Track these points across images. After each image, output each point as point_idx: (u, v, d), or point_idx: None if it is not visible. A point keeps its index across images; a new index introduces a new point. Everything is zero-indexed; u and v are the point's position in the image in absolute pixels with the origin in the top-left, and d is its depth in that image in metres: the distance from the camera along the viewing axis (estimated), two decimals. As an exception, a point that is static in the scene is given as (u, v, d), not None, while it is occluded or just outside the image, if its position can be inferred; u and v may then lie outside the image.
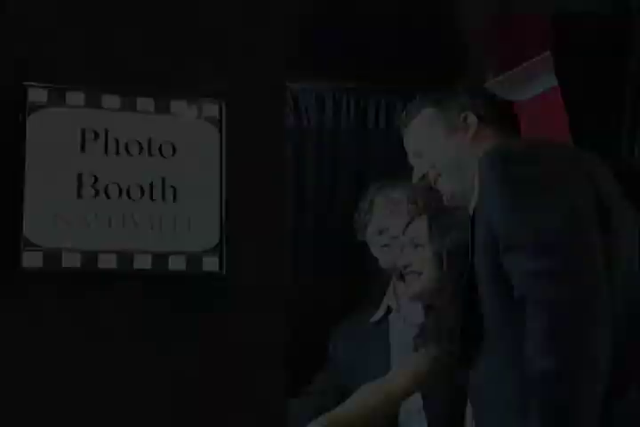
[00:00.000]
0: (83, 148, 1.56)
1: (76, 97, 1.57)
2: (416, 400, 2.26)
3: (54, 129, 1.55)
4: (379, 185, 2.58)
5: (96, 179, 1.54)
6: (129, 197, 1.55)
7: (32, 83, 1.56)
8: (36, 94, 1.55)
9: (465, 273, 1.81)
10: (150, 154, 1.58)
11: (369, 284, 2.69)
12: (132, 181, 1.55)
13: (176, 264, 1.56)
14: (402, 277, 2.18)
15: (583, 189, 1.69)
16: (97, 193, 1.54)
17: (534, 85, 2.54)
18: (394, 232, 2.39)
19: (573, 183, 1.69)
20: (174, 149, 1.58)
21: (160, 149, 1.58)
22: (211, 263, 1.58)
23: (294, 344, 1.81)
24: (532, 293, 1.59)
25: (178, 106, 1.60)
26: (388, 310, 2.49)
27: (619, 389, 1.57)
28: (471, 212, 1.85)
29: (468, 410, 2.05)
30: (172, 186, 1.57)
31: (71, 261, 1.51)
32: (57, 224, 1.51)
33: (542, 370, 1.54)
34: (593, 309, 1.57)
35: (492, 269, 1.70)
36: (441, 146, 1.97)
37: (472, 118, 1.96)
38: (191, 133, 1.61)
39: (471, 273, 1.78)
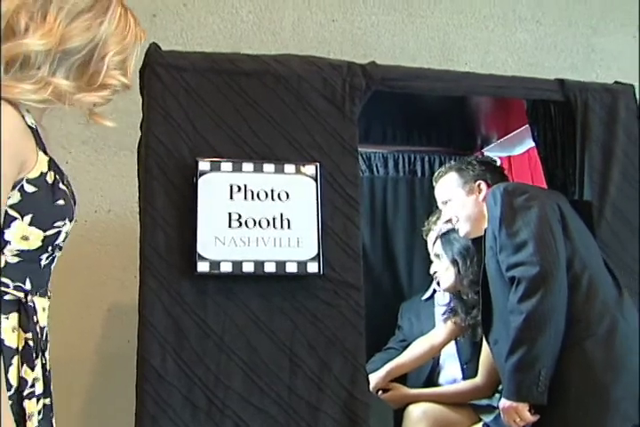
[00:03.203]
0: (231, 196, 2.10)
1: (226, 165, 2.13)
2: (452, 348, 2.89)
3: (214, 185, 2.09)
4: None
5: (239, 215, 2.09)
6: (260, 227, 2.10)
7: (200, 158, 2.11)
8: (203, 165, 2.11)
9: (481, 270, 2.39)
10: (272, 199, 2.13)
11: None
12: (262, 216, 2.11)
13: (291, 268, 2.10)
14: (436, 279, 2.85)
15: (552, 210, 2.26)
16: (240, 224, 2.08)
17: (520, 146, 3.11)
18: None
19: (545, 206, 2.25)
20: (288, 195, 2.14)
21: (279, 195, 2.14)
22: (313, 267, 2.11)
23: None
24: (513, 275, 2.16)
25: (289, 168, 2.17)
26: (434, 292, 3.10)
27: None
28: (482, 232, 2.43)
29: (483, 354, 2.68)
30: (287, 218, 2.12)
31: (226, 267, 2.06)
32: (217, 244, 2.06)
33: (516, 325, 2.12)
34: (548, 280, 2.12)
35: (497, 264, 2.27)
36: (462, 202, 2.60)
37: (484, 185, 2.59)
38: (298, 185, 2.16)
39: (484, 269, 2.37)
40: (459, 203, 2.61)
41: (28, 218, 1.44)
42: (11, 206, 1.43)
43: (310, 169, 2.20)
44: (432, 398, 2.72)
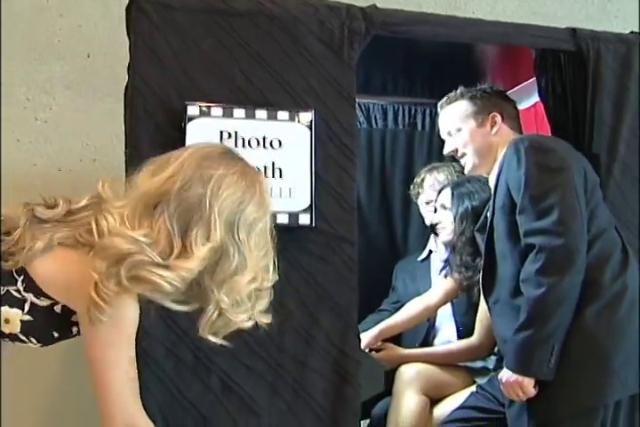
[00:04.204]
0: (221, 143, 2.04)
1: (216, 111, 2.09)
2: (447, 309, 2.89)
3: (203, 132, 2.06)
4: (429, 167, 3.11)
5: None
6: None
7: (189, 103, 2.07)
8: (192, 110, 2.07)
9: (487, 228, 2.32)
10: (264, 147, 2.11)
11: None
12: (253, 165, 1.94)
13: (282, 219, 2.08)
14: (435, 230, 2.83)
15: (579, 174, 2.17)
16: None
17: (528, 100, 2.99)
18: (434, 204, 2.99)
19: (573, 169, 2.17)
20: (280, 143, 2.11)
21: (271, 143, 2.11)
22: (305, 219, 2.10)
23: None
24: (533, 243, 2.08)
25: (283, 115, 2.13)
26: (430, 252, 3.10)
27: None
28: (491, 183, 2.35)
29: (479, 313, 2.67)
30: (279, 168, 2.10)
31: None
32: None
33: (534, 296, 2.06)
34: (573, 256, 2.05)
35: (508, 225, 2.20)
36: (471, 133, 2.44)
37: (498, 118, 2.43)
38: (291, 133, 2.13)
39: (490, 228, 2.30)
40: (468, 134, 2.46)
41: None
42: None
43: (305, 116, 2.16)
44: (425, 358, 2.72)
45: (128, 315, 1.47)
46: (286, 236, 2.05)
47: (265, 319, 1.59)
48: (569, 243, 2.06)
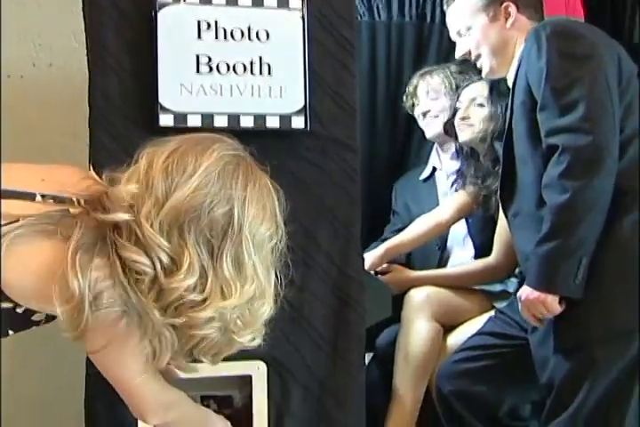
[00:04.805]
0: (199, 35, 1.89)
1: None
2: (460, 229, 2.72)
3: (177, 21, 1.88)
4: (422, 72, 2.88)
5: (210, 59, 1.89)
6: (235, 72, 1.90)
7: None
8: None
9: (505, 129, 2.18)
10: (250, 39, 1.92)
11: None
12: (237, 60, 1.90)
13: (272, 123, 1.93)
14: (453, 129, 2.62)
15: (612, 62, 2.00)
16: (211, 69, 1.89)
17: None
18: (434, 113, 2.81)
19: (605, 57, 1.99)
20: (268, 35, 1.93)
21: (257, 34, 1.92)
22: (299, 122, 1.94)
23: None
24: (556, 143, 1.94)
25: (270, 1, 1.93)
26: (434, 170, 2.90)
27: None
28: (510, 81, 2.19)
29: (498, 229, 2.52)
30: (267, 63, 1.92)
31: (194, 121, 1.88)
32: (182, 93, 1.87)
33: (558, 203, 1.92)
34: (602, 156, 1.90)
35: (529, 124, 2.05)
36: (483, 30, 2.26)
37: (513, 9, 2.24)
38: (281, 22, 1.94)
39: (509, 130, 2.15)
40: (480, 32, 2.28)
41: None
42: None
43: (296, 2, 1.96)
44: (437, 280, 2.55)
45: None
46: (277, 142, 1.94)
47: (260, 339, 1.52)
48: (597, 141, 1.90)
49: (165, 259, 1.34)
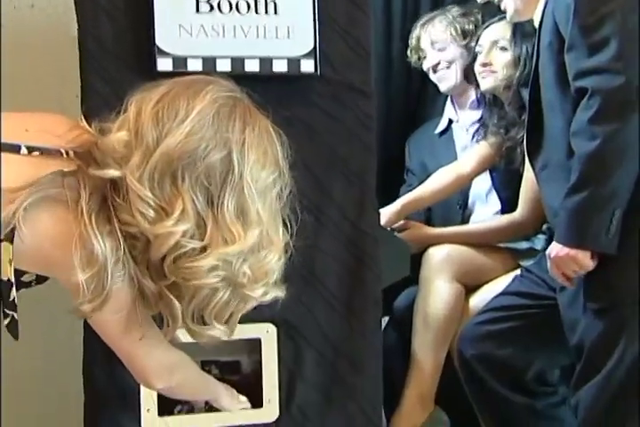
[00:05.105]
0: None
1: None
2: (483, 184, 2.61)
3: None
4: (422, 21, 2.74)
5: None
6: (238, 12, 1.79)
7: None
8: None
9: (531, 73, 2.08)
10: None
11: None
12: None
13: (280, 67, 1.82)
14: (473, 75, 2.51)
15: None
16: (212, 8, 1.78)
17: None
18: (444, 65, 2.67)
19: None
20: None
21: None
22: (308, 65, 1.83)
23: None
24: (585, 86, 1.86)
25: None
26: (450, 122, 2.77)
27: None
28: (537, 22, 2.09)
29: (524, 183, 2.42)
30: (273, 1, 1.81)
31: (195, 65, 1.77)
32: (181, 35, 1.76)
33: (587, 151, 1.85)
34: (635, 99, 1.82)
35: (557, 67, 1.96)
36: None
37: None
38: None
39: (535, 75, 2.06)
40: None
41: None
42: None
43: None
44: (459, 238, 2.45)
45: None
46: (285, 87, 1.86)
47: (279, 292, 1.46)
48: (630, 82, 1.82)
49: (152, 212, 1.28)
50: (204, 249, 1.30)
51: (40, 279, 1.44)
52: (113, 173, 1.28)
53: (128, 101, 1.35)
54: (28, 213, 1.26)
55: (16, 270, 1.35)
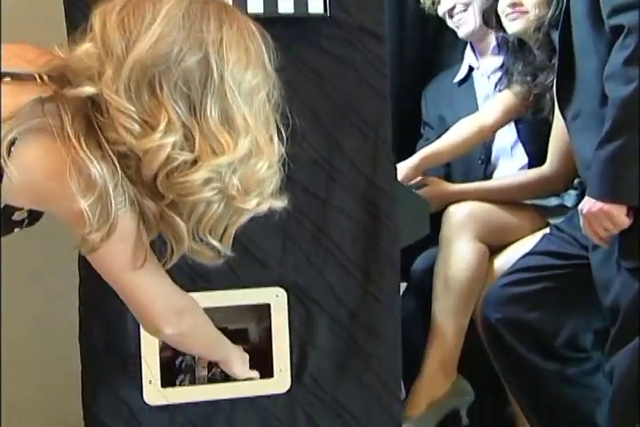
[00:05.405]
0: None
1: None
2: (507, 137, 2.50)
3: None
4: None
5: None
6: None
7: None
8: None
9: (561, 15, 2.00)
10: None
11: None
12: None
13: (285, 8, 1.73)
14: (493, 19, 2.38)
15: None
16: None
17: None
18: (461, 8, 2.54)
19: None
20: None
21: None
22: (317, 6, 1.73)
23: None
24: (620, 24, 1.77)
25: None
26: (470, 70, 2.64)
27: None
28: None
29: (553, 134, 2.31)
30: None
31: None
32: None
33: (622, 95, 1.76)
34: None
35: (590, 4, 1.88)
36: None
37: None
38: None
39: (566, 14, 1.98)
40: None
41: None
42: None
43: None
44: (482, 194, 2.34)
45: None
46: (292, 29, 1.75)
47: (279, 202, 1.43)
48: None
49: (137, 126, 1.25)
50: (194, 162, 1.28)
51: (32, 219, 1.41)
52: (88, 89, 1.24)
53: (91, 17, 1.29)
54: (14, 149, 1.21)
55: (6, 208, 1.32)
